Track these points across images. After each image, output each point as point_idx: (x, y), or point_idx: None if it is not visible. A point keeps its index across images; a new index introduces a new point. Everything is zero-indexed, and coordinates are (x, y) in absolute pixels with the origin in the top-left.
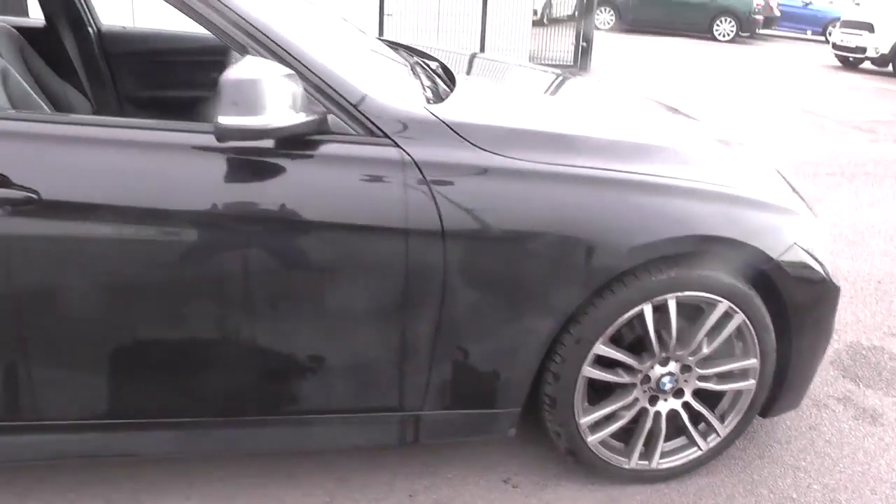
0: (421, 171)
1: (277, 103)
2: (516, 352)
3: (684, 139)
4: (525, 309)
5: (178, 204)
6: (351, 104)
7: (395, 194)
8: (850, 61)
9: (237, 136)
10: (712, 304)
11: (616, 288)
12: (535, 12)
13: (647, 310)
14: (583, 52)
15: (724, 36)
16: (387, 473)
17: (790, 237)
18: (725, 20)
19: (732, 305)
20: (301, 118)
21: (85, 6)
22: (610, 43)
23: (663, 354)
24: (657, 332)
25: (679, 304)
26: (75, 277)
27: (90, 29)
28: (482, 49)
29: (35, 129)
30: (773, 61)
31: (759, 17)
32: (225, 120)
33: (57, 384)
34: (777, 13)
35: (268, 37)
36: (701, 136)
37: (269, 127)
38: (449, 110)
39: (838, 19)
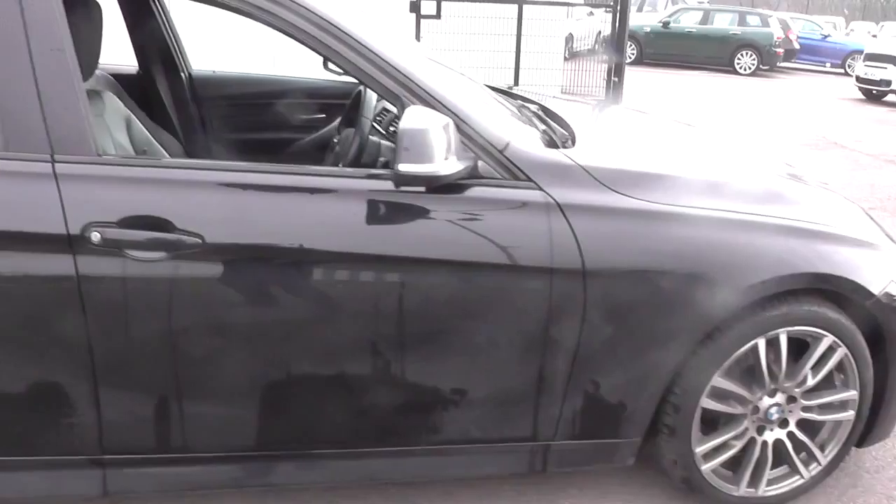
0: (563, 213)
1: (442, 151)
2: (643, 384)
3: (790, 180)
4: (653, 342)
5: (334, 245)
6: (497, 150)
7: (541, 235)
8: (873, 94)
9: (413, 183)
10: (818, 339)
11: (735, 323)
12: None
13: (761, 343)
14: (614, 87)
15: (745, 69)
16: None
17: (889, 273)
18: (746, 53)
19: (836, 339)
20: (462, 165)
21: (179, 52)
22: (633, 76)
23: (772, 386)
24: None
25: (788, 339)
26: (234, 317)
27: (182, 74)
28: (516, 84)
29: (196, 176)
30: (796, 94)
31: (780, 51)
32: (404, 167)
33: (207, 418)
34: (797, 46)
35: (421, 87)
36: (789, 173)
37: (439, 174)
38: (582, 155)
39: (857, 52)
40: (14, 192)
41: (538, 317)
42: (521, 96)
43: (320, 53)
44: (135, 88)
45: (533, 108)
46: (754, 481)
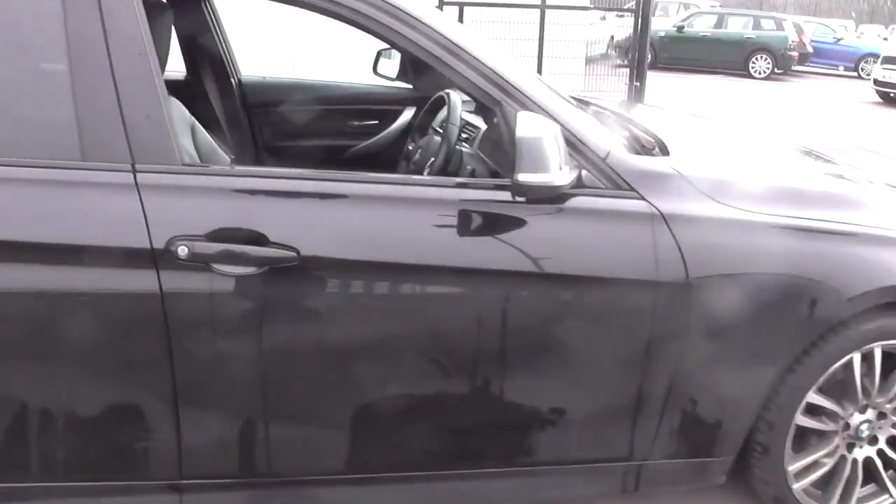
0: (668, 224)
1: (557, 160)
2: (740, 400)
3: (878, 189)
4: (752, 358)
5: (434, 258)
6: (600, 158)
7: (645, 247)
8: (890, 97)
9: (529, 193)
10: None
11: (831, 337)
12: None
13: (857, 358)
14: (636, 92)
15: (759, 73)
16: None
17: None
18: (761, 57)
19: None
20: (573, 174)
21: (228, 57)
22: (650, 81)
23: (863, 402)
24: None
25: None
26: (328, 334)
27: (232, 80)
28: None
29: (289, 186)
30: (813, 98)
31: (795, 54)
32: (524, 177)
33: (294, 440)
34: (810, 49)
35: (523, 92)
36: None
37: (555, 184)
38: (679, 163)
39: (871, 55)
40: (93, 204)
41: (641, 332)
42: (590, 102)
43: (409, 52)
44: (182, 94)
45: (609, 114)
46: (844, 500)
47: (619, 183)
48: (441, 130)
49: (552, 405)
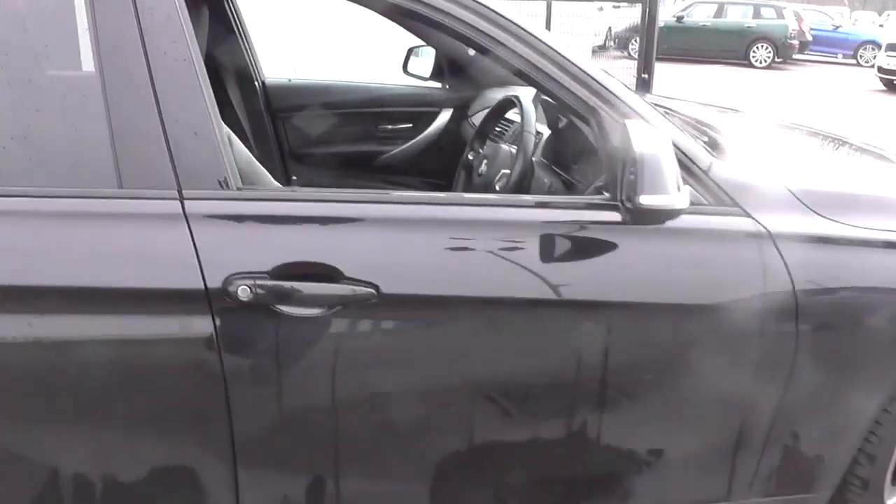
0: (775, 243)
1: (674, 179)
2: (843, 433)
3: None
4: (858, 387)
5: (533, 291)
6: (703, 171)
7: (753, 270)
8: (894, 84)
9: (650, 218)
10: None
11: None
12: None
13: None
14: (643, 84)
15: (760, 62)
16: None
17: None
18: (762, 46)
19: None
20: (687, 193)
21: (252, 58)
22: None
23: None
24: None
25: None
26: (410, 380)
27: (256, 83)
28: None
29: (362, 212)
30: (817, 86)
31: (795, 43)
32: (647, 200)
33: (368, 497)
34: (809, 38)
35: (621, 98)
36: None
37: (675, 207)
38: (780, 174)
39: (869, 42)
40: (133, 239)
41: (747, 364)
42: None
43: (496, 54)
44: None
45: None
46: None
47: (722, 198)
48: (492, 135)
49: (652, 447)
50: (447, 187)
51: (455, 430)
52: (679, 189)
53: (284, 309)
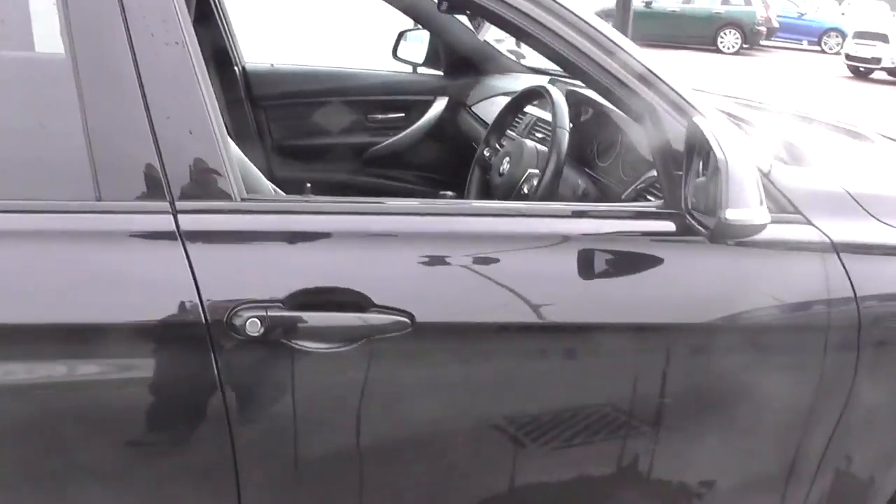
0: (839, 255)
1: (757, 190)
2: (894, 453)
3: None
4: None
5: (586, 314)
6: (764, 175)
7: (817, 283)
8: (860, 71)
9: (733, 234)
10: None
11: None
12: None
13: None
14: None
15: (728, 48)
16: None
17: None
18: (730, 32)
19: None
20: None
21: (231, 43)
22: None
23: None
24: None
25: None
26: (451, 420)
27: (235, 68)
28: None
29: (393, 226)
30: (786, 73)
31: (763, 29)
32: (735, 215)
33: None
34: (776, 24)
35: (680, 94)
36: None
37: (755, 223)
38: (839, 176)
39: (833, 29)
40: (114, 263)
41: (808, 386)
42: None
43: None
44: None
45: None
46: None
47: (784, 206)
48: (511, 129)
49: (704, 478)
50: (445, 182)
51: (500, 471)
52: (762, 202)
53: (302, 344)
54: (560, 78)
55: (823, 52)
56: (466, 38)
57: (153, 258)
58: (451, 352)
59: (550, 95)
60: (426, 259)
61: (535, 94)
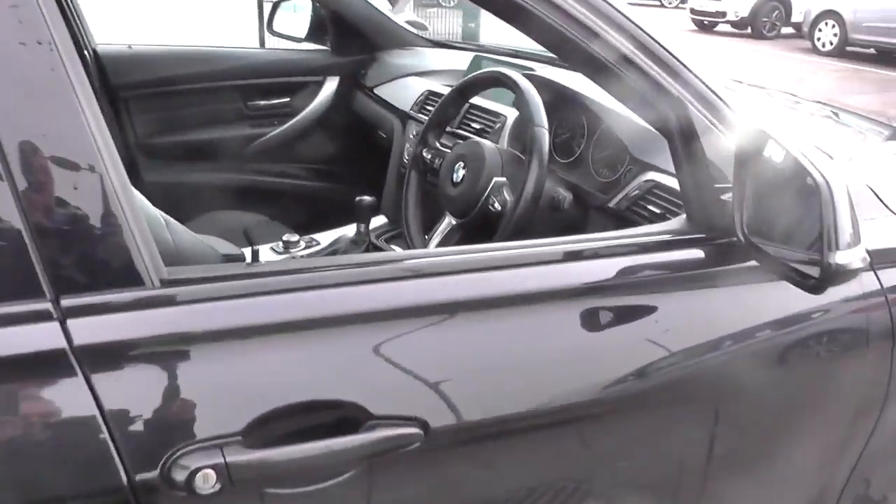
0: (872, 265)
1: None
2: None
3: None
4: None
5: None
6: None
7: (852, 300)
8: (704, 24)
9: (838, 281)
10: None
11: None
12: None
13: None
14: None
15: None
16: None
17: None
18: None
19: None
20: None
21: (77, 21)
22: None
23: None
24: None
25: None
26: None
27: (85, 52)
28: None
29: (382, 297)
30: None
31: None
32: (846, 258)
33: None
34: None
35: (717, 94)
36: None
37: (851, 267)
38: (861, 171)
39: None
40: None
41: (844, 412)
42: None
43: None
44: None
45: None
46: None
47: None
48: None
49: None
50: (345, 177)
51: None
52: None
53: (275, 492)
54: (487, 55)
55: (663, 6)
56: (356, 7)
57: (35, 396)
58: (475, 458)
59: (517, 84)
60: (435, 338)
61: (487, 82)
